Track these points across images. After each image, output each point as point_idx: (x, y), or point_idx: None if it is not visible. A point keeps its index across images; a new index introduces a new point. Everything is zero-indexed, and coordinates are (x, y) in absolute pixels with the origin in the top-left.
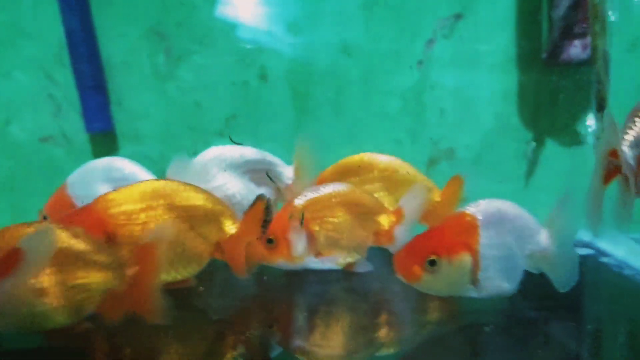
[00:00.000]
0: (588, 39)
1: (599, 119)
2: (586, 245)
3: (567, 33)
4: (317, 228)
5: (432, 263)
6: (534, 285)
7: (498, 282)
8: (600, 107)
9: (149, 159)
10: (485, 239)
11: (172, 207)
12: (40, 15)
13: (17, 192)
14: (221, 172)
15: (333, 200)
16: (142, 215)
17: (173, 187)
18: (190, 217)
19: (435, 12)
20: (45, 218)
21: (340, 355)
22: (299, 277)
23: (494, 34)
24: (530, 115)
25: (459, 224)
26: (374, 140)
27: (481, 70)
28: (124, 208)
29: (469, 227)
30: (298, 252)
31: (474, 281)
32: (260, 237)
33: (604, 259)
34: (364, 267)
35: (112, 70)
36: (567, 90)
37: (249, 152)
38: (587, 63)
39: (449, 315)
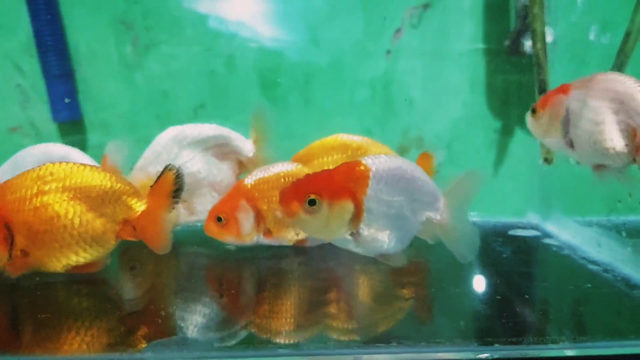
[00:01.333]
0: (550, 29)
1: None
2: (534, 227)
3: (526, 25)
4: (265, 207)
5: (312, 202)
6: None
7: (380, 239)
8: (542, 91)
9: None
10: (372, 192)
11: (65, 189)
12: (7, 6)
13: None
14: (182, 150)
15: (282, 179)
16: (35, 200)
17: (67, 169)
18: (87, 197)
19: (403, 1)
20: None
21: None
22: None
23: (462, 23)
24: (498, 104)
25: (350, 170)
26: (344, 129)
27: (449, 60)
28: (17, 195)
29: (360, 176)
30: (246, 231)
31: (355, 234)
32: (172, 208)
33: (547, 240)
34: (314, 242)
35: (80, 59)
36: (532, 77)
37: (207, 129)
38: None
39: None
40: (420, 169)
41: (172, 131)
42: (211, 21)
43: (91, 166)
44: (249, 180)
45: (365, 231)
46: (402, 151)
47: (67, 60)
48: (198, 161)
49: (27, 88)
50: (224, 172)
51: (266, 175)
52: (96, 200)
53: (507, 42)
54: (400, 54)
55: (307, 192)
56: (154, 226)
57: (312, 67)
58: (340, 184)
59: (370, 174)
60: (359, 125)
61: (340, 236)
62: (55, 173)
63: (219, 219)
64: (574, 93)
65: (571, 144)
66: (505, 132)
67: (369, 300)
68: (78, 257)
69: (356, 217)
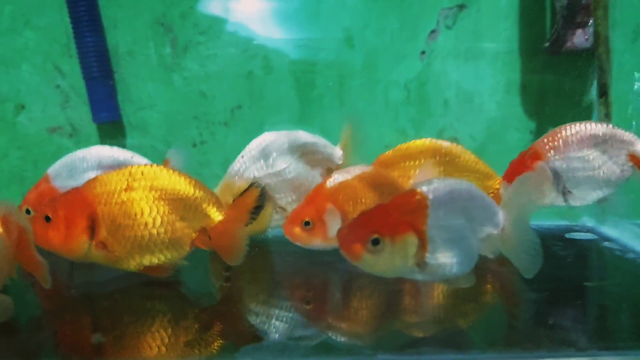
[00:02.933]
0: (590, 28)
1: (602, 104)
2: (589, 230)
3: (570, 22)
4: (350, 209)
5: (375, 242)
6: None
7: (447, 266)
8: (602, 94)
9: (154, 148)
10: (433, 220)
11: (152, 188)
12: (47, 7)
13: (26, 182)
14: (280, 157)
15: (364, 182)
16: (123, 195)
17: (158, 171)
18: (171, 200)
19: (438, 2)
20: (28, 212)
21: None
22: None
23: (497, 24)
24: (533, 105)
25: (407, 202)
26: (378, 130)
27: (484, 61)
28: (106, 188)
29: (418, 207)
30: (334, 234)
31: (420, 264)
32: (248, 223)
33: (607, 244)
34: None
35: (119, 61)
36: (570, 79)
37: (302, 136)
38: (589, 52)
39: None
40: (473, 186)
41: (268, 137)
42: (248, 23)
43: (178, 172)
44: (331, 183)
45: (432, 260)
46: None
47: (106, 62)
48: (295, 168)
49: (67, 89)
50: (316, 179)
51: (348, 177)
52: (179, 204)
53: (546, 44)
54: (435, 54)
55: (368, 232)
56: (229, 238)
57: (346, 68)
58: (400, 218)
59: (429, 202)
60: (394, 126)
61: (408, 269)
62: (146, 173)
63: (307, 224)
64: (553, 155)
65: (567, 194)
66: (540, 133)
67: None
68: (152, 257)
69: (421, 248)
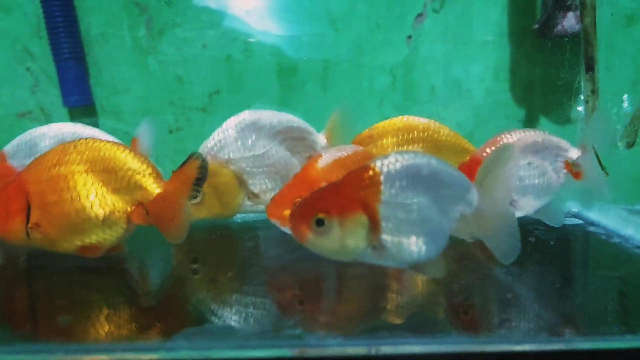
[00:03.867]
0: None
1: (588, 79)
2: (575, 215)
3: (561, 5)
4: None
5: (320, 222)
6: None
7: (408, 248)
8: (589, 68)
9: (128, 135)
10: (388, 197)
11: (82, 161)
12: None
13: None
14: (260, 139)
15: (356, 160)
16: (52, 171)
17: (90, 143)
18: (102, 172)
19: None
20: None
21: None
22: None
23: (486, 7)
24: (522, 91)
25: (359, 178)
26: (363, 117)
27: (472, 46)
28: (38, 167)
29: (370, 183)
30: None
31: (376, 246)
32: (192, 197)
33: (592, 229)
34: None
35: (91, 43)
36: (560, 64)
37: (287, 119)
38: (580, 35)
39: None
40: (441, 161)
41: (249, 115)
42: (228, 4)
43: (114, 143)
44: (324, 162)
45: (388, 243)
46: None
47: (78, 43)
48: (275, 153)
49: (37, 71)
50: (294, 168)
51: (340, 156)
52: (111, 176)
53: (536, 25)
54: (421, 39)
55: (313, 212)
56: (169, 212)
57: (330, 52)
58: (349, 196)
59: (382, 178)
60: (379, 112)
61: (362, 252)
62: (78, 146)
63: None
64: None
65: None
66: (530, 121)
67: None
68: (86, 237)
69: (374, 229)
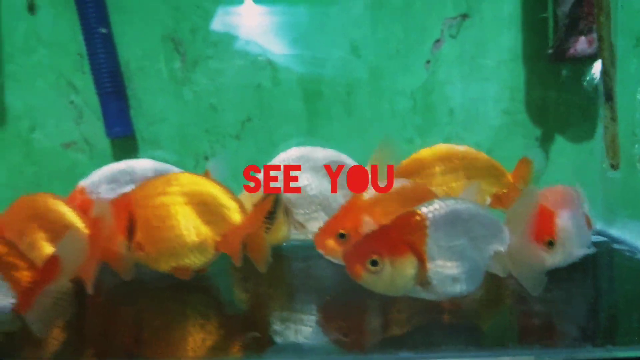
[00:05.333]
0: (593, 35)
1: (608, 108)
2: (598, 233)
3: (573, 29)
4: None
5: (374, 263)
6: None
7: (451, 284)
8: (608, 98)
9: (166, 161)
10: (433, 240)
11: (183, 194)
12: (60, 24)
13: None
14: (304, 172)
15: (401, 194)
16: (157, 199)
17: (189, 177)
18: (198, 204)
19: (441, 12)
20: None
21: None
22: None
23: (500, 32)
24: (537, 111)
25: (407, 223)
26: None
27: (488, 69)
28: (145, 192)
29: (417, 227)
30: None
31: (423, 283)
32: (265, 229)
33: (617, 246)
34: None
35: (130, 76)
36: (573, 85)
37: (329, 154)
38: (592, 58)
39: None
40: (476, 205)
41: (295, 152)
42: (256, 36)
43: (209, 179)
44: (368, 194)
45: (434, 280)
46: None
47: (119, 77)
48: (318, 185)
49: (81, 104)
50: (338, 199)
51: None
52: (205, 209)
53: (550, 51)
54: (440, 63)
55: (367, 254)
56: (251, 242)
57: (353, 78)
58: (399, 239)
59: (428, 223)
60: (400, 134)
61: (410, 289)
62: (180, 178)
63: (342, 236)
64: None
65: None
66: (545, 139)
67: None
68: (180, 260)
69: (422, 268)
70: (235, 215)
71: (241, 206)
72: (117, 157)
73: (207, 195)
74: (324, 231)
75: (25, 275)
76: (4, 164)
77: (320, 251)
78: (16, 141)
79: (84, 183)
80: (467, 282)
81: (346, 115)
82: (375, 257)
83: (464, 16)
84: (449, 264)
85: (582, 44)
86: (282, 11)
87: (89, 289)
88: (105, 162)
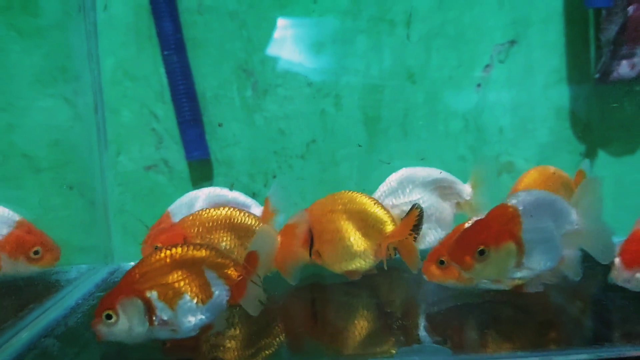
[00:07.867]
0: (634, 59)
1: None
2: None
3: (616, 54)
4: None
5: (482, 253)
6: None
7: (540, 263)
8: None
9: (238, 181)
10: (527, 226)
11: (345, 211)
12: (143, 58)
13: (126, 214)
14: (415, 188)
15: None
16: (328, 216)
17: (350, 196)
18: (357, 220)
19: (491, 39)
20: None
21: None
22: None
23: (546, 57)
24: (581, 129)
25: (503, 214)
26: (440, 158)
27: (535, 91)
28: (320, 210)
29: (512, 217)
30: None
31: (519, 264)
32: (410, 237)
33: None
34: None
35: (207, 104)
36: (615, 105)
37: (435, 172)
38: (633, 80)
39: None
40: (549, 193)
41: (406, 171)
42: (320, 66)
43: (366, 196)
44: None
45: (528, 261)
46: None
47: (196, 105)
48: (428, 199)
49: (161, 131)
50: (447, 211)
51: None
52: (364, 223)
53: (596, 75)
54: (489, 86)
55: (475, 245)
56: (401, 249)
57: (409, 102)
58: (499, 229)
59: (520, 212)
60: (454, 153)
61: (509, 271)
62: (344, 197)
63: (441, 262)
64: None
65: None
66: (590, 155)
67: None
68: (348, 264)
69: (519, 252)
70: (388, 227)
71: (392, 219)
72: (194, 178)
73: (365, 212)
74: (430, 257)
75: (233, 272)
76: None
77: (425, 277)
78: (107, 164)
79: (170, 208)
80: (553, 259)
81: (403, 136)
82: (482, 247)
83: (512, 42)
84: (539, 245)
85: (624, 68)
86: (343, 43)
87: (291, 281)
88: (184, 183)
